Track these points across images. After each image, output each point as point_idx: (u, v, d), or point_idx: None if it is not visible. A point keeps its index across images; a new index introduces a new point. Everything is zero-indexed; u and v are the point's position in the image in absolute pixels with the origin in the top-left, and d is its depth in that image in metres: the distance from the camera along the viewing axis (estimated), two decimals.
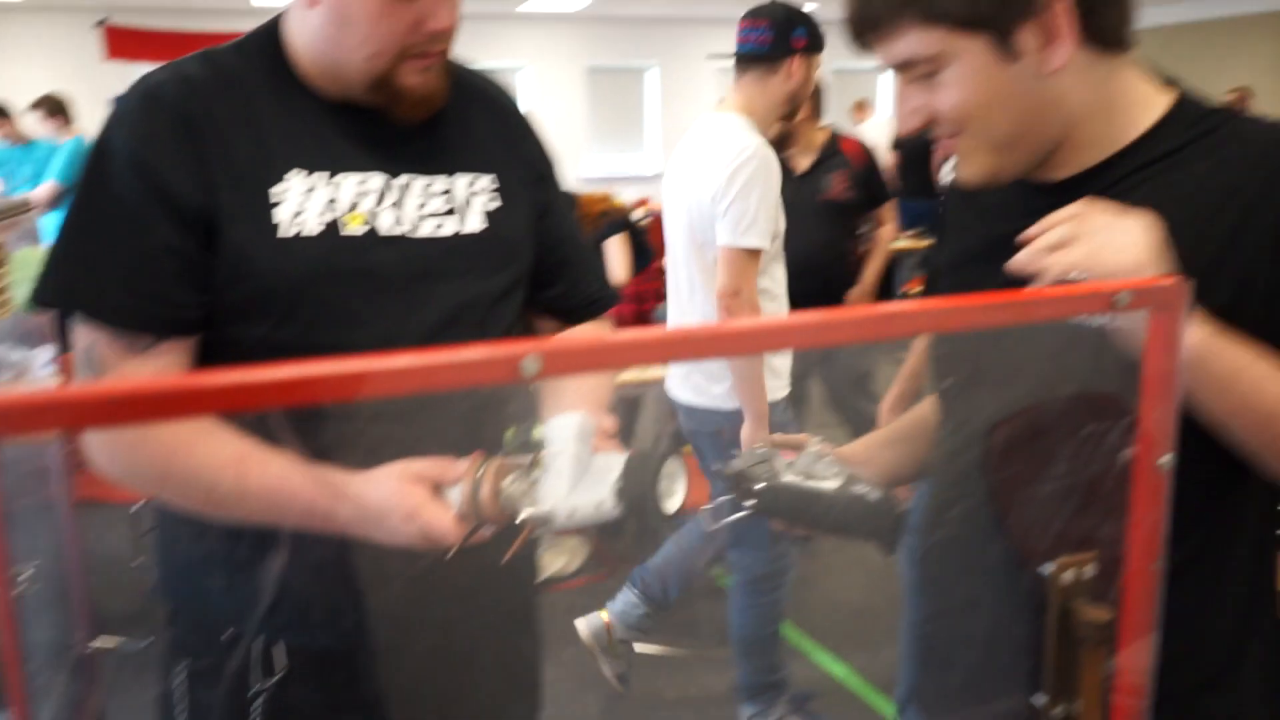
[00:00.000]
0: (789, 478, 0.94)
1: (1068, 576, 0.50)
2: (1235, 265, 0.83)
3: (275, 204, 1.05)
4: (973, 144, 0.90)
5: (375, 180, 1.10)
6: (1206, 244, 0.84)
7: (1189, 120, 0.90)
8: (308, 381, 0.36)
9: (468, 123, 1.19)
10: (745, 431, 2.35)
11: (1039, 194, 0.95)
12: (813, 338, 0.44)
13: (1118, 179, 0.90)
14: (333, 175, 1.08)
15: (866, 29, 0.89)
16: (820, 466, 0.97)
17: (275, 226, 1.04)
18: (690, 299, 2.50)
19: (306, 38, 1.07)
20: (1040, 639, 0.51)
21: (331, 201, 1.07)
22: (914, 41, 0.86)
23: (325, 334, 1.06)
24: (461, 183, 1.15)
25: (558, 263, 1.25)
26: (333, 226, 1.06)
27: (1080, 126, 0.90)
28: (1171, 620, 0.56)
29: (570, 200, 4.19)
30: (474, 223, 1.15)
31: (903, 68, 0.89)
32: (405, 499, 0.94)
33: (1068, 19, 0.84)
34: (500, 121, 1.24)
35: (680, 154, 2.53)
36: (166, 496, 1.06)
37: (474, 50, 10.76)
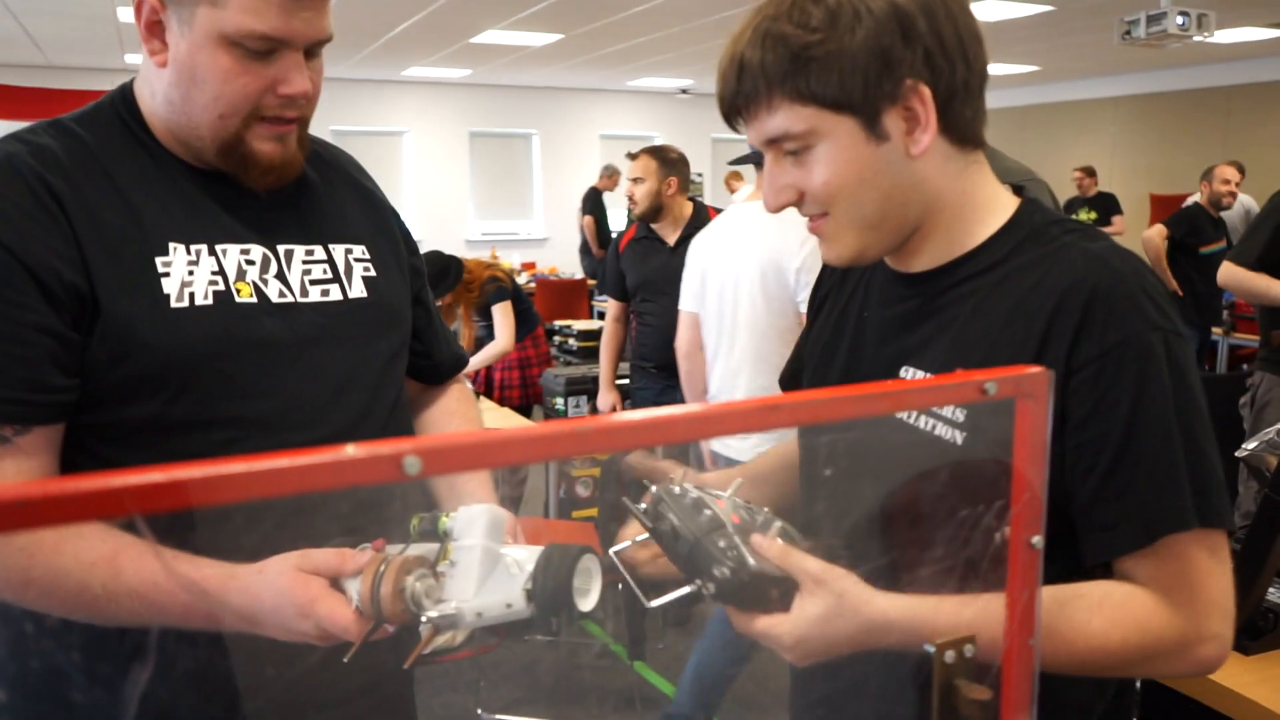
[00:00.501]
0: (754, 563, 0.80)
1: (949, 656, 0.51)
2: None
3: (164, 275, 1.00)
4: (839, 224, 0.92)
5: (256, 251, 1.08)
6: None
7: (1026, 231, 0.93)
8: (180, 485, 0.34)
9: (334, 196, 1.19)
10: None
11: (900, 283, 0.99)
12: (696, 430, 0.45)
13: (958, 281, 0.94)
14: (213, 246, 1.05)
15: (740, 105, 0.90)
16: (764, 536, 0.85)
17: (166, 298, 1.00)
18: (758, 364, 2.60)
19: (159, 99, 1.04)
20: (925, 719, 0.52)
21: (218, 272, 1.04)
22: (786, 118, 0.88)
23: (221, 407, 1.02)
24: (338, 251, 1.15)
25: (424, 328, 1.28)
26: (224, 295, 1.03)
27: (937, 216, 0.93)
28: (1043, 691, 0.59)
29: (457, 264, 4.17)
30: (357, 289, 1.14)
31: (773, 143, 0.90)
32: (300, 593, 0.88)
33: (928, 107, 0.87)
34: (362, 196, 1.24)
35: (731, 238, 2.69)
36: (29, 602, 0.96)
37: (359, 114, 10.75)
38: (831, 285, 1.12)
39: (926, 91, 0.86)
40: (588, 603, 0.88)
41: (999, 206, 0.95)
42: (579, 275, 9.22)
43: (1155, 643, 0.84)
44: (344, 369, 1.10)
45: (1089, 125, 11.26)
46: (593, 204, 9.87)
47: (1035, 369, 0.48)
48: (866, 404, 0.46)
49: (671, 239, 3.54)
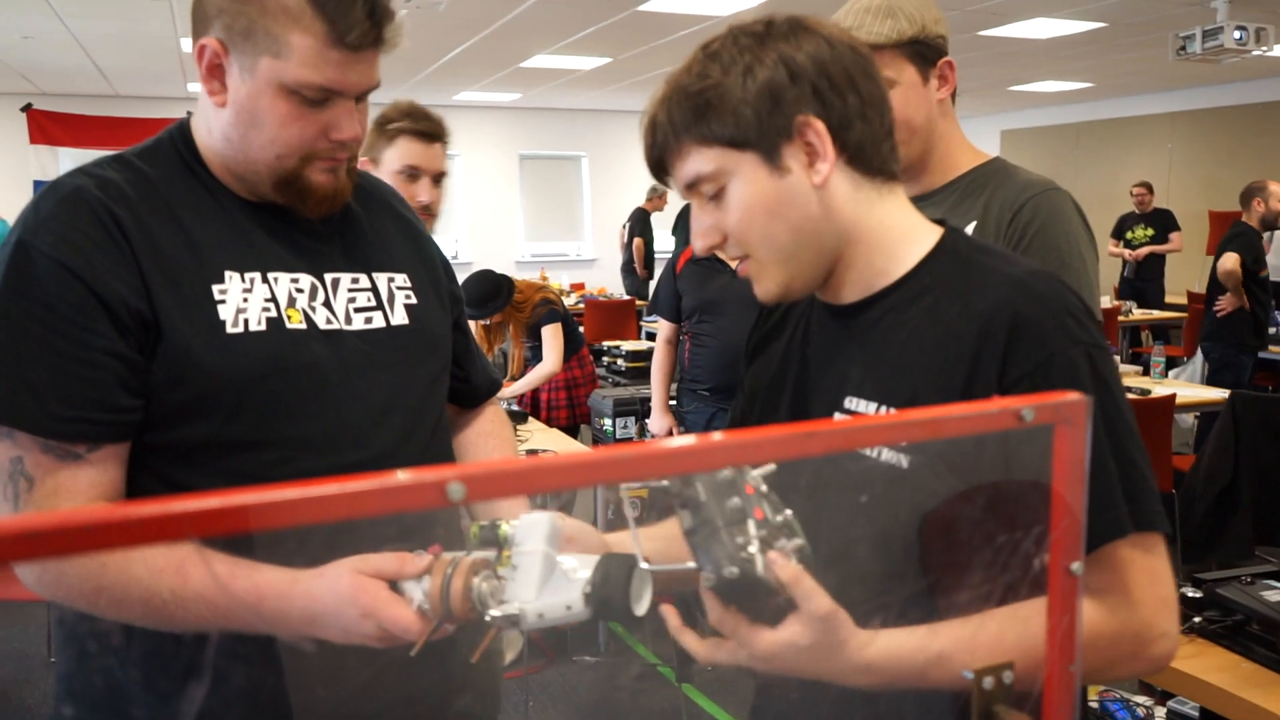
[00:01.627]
0: (763, 573, 0.78)
1: (988, 682, 0.51)
2: None
3: (220, 301, 1.05)
4: (759, 261, 0.97)
5: (305, 280, 1.12)
6: (947, 396, 0.89)
7: (950, 258, 0.97)
8: (236, 511, 0.36)
9: (377, 227, 1.23)
10: None
11: (833, 316, 1.02)
12: (736, 456, 0.46)
13: (888, 311, 0.97)
14: (265, 274, 1.09)
15: (660, 156, 0.97)
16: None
17: (222, 324, 1.04)
18: None
19: (216, 135, 1.09)
20: None
21: (270, 299, 1.08)
22: (696, 161, 0.94)
23: (273, 428, 1.06)
24: (381, 280, 1.19)
25: (461, 353, 1.32)
26: (276, 322, 1.08)
27: (856, 246, 0.97)
28: None
29: (508, 284, 4.22)
30: (399, 316, 1.18)
31: (692, 189, 0.96)
32: (361, 595, 0.91)
33: (823, 138, 0.92)
34: (402, 226, 1.28)
35: None
36: (101, 608, 1.00)
37: None
38: (771, 327, 1.15)
39: (819, 124, 0.92)
40: (641, 607, 0.89)
41: (920, 235, 0.99)
42: (628, 296, 9.27)
43: (1112, 648, 0.87)
44: (387, 393, 1.14)
45: (1145, 141, 11.07)
46: (642, 225, 9.94)
47: (1074, 396, 0.49)
48: (902, 431, 0.46)
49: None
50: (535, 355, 4.27)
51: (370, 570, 0.92)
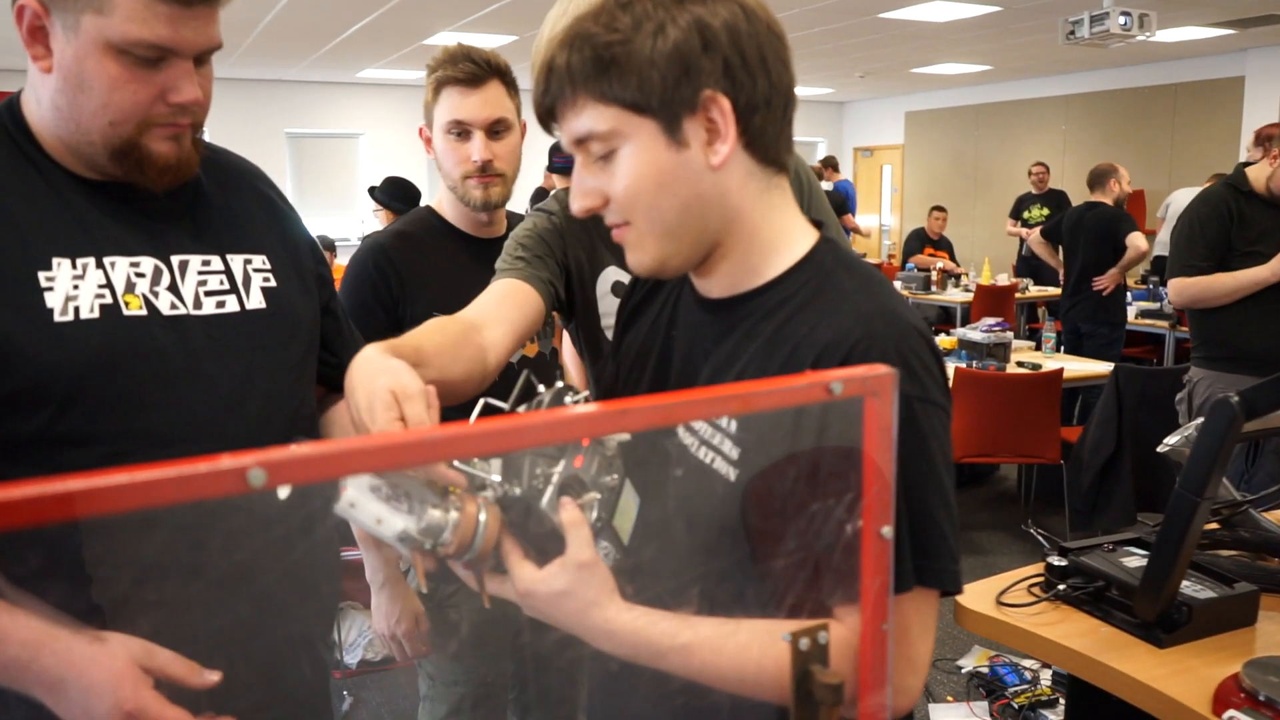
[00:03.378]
0: (545, 508, 0.81)
1: (805, 643, 0.53)
2: (798, 438, 0.86)
3: (47, 289, 0.99)
4: (639, 231, 0.92)
5: (147, 263, 1.06)
6: (776, 418, 0.87)
7: (815, 272, 0.94)
8: (11, 504, 0.35)
9: (231, 205, 1.18)
10: None
11: (701, 308, 1.00)
12: (552, 434, 0.47)
13: (748, 315, 0.94)
14: (101, 259, 1.03)
15: (552, 104, 0.91)
16: None
17: (50, 312, 0.99)
18: None
19: (45, 105, 1.03)
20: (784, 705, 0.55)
21: (105, 285, 1.02)
22: (591, 117, 0.88)
23: (110, 421, 1.01)
24: (236, 262, 1.14)
25: (333, 337, 1.27)
26: (111, 309, 1.02)
27: (736, 235, 0.94)
28: None
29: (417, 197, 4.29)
30: (255, 300, 1.14)
31: (581, 144, 0.91)
32: (126, 688, 0.84)
33: (727, 119, 0.87)
34: (262, 205, 1.23)
35: None
36: None
37: (314, 117, 10.63)
38: (641, 298, 1.13)
39: (726, 103, 0.87)
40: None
41: (796, 238, 0.96)
42: None
43: (854, 690, 0.86)
44: (238, 381, 1.09)
45: (1041, 123, 11.44)
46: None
47: (881, 369, 0.51)
48: (716, 406, 0.48)
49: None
50: None
51: (154, 666, 0.86)
